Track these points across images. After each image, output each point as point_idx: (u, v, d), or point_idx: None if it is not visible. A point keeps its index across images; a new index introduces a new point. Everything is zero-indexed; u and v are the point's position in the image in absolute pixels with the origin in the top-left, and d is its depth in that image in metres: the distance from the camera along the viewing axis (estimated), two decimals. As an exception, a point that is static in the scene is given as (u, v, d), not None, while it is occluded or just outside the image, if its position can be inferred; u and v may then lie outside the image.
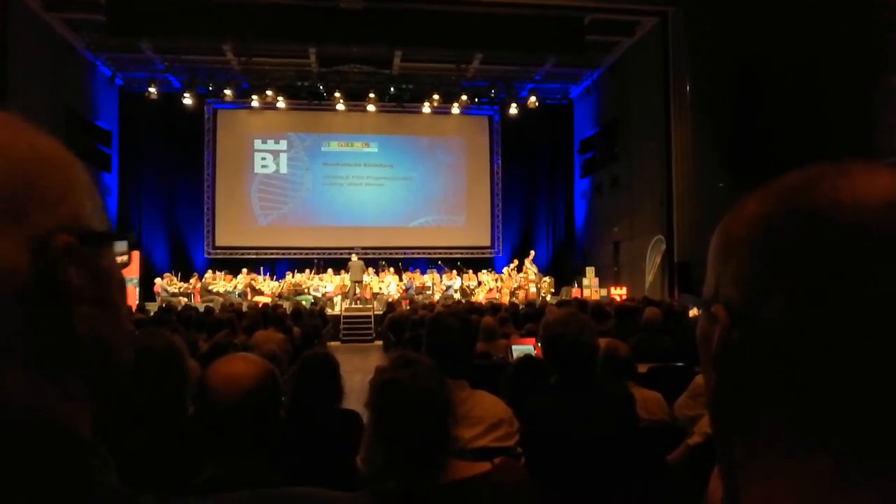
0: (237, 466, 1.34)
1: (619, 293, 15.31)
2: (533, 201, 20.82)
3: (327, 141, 19.99)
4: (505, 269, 18.09)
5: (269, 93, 17.29)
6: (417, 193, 20.24)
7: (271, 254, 19.29)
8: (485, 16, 14.03)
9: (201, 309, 10.59)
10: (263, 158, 19.76)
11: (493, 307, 9.91)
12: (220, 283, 16.63)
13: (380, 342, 12.76)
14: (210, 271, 17.21)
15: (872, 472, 0.41)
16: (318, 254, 18.80)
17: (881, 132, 9.37)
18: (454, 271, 17.99)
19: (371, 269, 17.59)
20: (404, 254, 19.41)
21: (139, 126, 18.22)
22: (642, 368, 3.85)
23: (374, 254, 18.76)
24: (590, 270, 17.23)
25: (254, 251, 19.20)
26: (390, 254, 19.10)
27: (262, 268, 18.28)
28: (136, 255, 14.89)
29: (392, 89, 18.16)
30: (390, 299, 15.72)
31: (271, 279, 17.71)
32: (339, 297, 16.75)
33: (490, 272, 18.33)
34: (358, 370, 7.92)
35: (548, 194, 20.76)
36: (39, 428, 0.42)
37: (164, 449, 1.70)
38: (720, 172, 12.23)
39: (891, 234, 0.41)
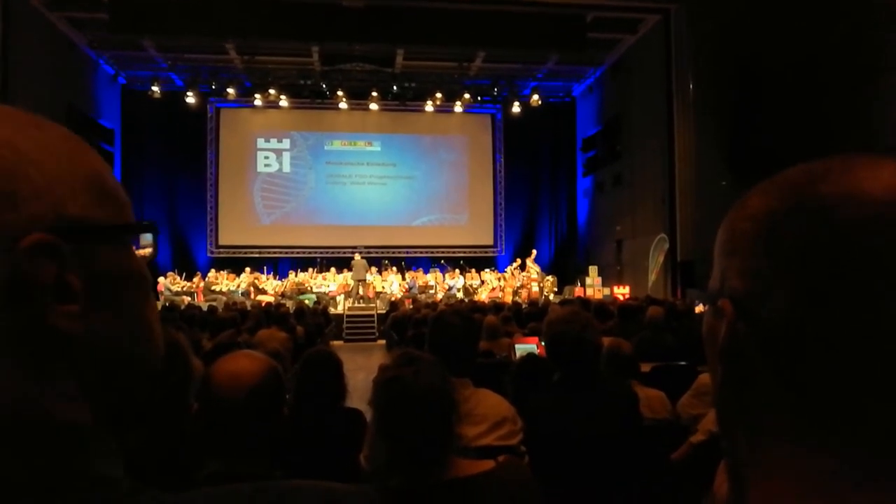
0: (240, 463, 1.34)
1: (622, 292, 15.27)
2: (536, 200, 20.79)
3: (330, 140, 19.99)
4: (508, 268, 18.10)
5: (271, 91, 17.32)
6: (420, 192, 20.22)
7: (274, 253, 19.29)
8: (487, 13, 14.01)
9: (204, 308, 10.60)
10: (266, 157, 19.76)
11: (497, 306, 9.88)
12: (224, 282, 16.68)
13: (383, 341, 12.77)
14: (213, 270, 17.24)
15: (873, 473, 0.40)
16: (321, 253, 18.82)
17: (881, 131, 9.35)
18: (457, 270, 17.98)
19: (374, 268, 17.60)
20: (407, 253, 19.41)
21: (142, 124, 18.24)
22: (645, 367, 3.86)
23: (377, 253, 18.74)
24: (593, 269, 17.22)
25: (257, 250, 19.21)
26: (393, 253, 19.09)
27: (265, 267, 18.30)
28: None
29: (395, 88, 18.16)
30: (393, 298, 15.71)
31: (274, 278, 17.73)
32: (343, 297, 16.77)
33: (493, 271, 18.32)
34: (361, 368, 7.90)
35: (550, 193, 20.73)
36: (30, 421, 0.42)
37: (167, 446, 1.70)
38: (722, 170, 12.20)
39: (891, 235, 0.41)
